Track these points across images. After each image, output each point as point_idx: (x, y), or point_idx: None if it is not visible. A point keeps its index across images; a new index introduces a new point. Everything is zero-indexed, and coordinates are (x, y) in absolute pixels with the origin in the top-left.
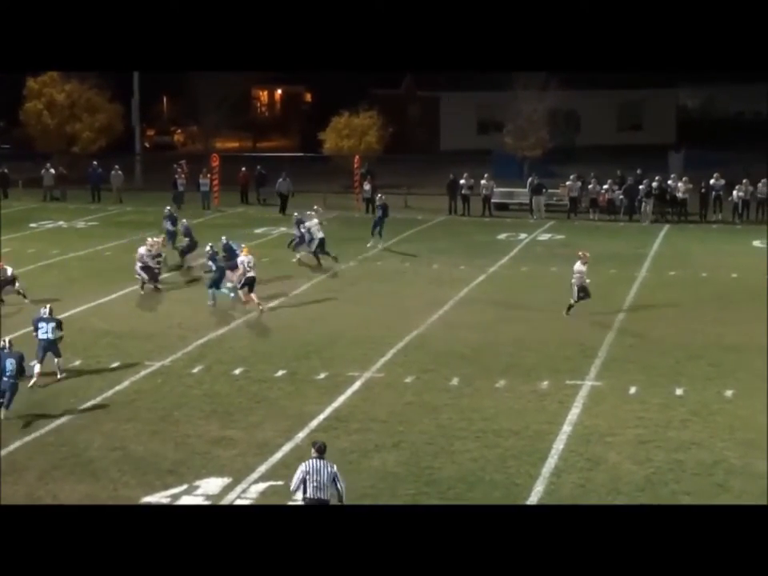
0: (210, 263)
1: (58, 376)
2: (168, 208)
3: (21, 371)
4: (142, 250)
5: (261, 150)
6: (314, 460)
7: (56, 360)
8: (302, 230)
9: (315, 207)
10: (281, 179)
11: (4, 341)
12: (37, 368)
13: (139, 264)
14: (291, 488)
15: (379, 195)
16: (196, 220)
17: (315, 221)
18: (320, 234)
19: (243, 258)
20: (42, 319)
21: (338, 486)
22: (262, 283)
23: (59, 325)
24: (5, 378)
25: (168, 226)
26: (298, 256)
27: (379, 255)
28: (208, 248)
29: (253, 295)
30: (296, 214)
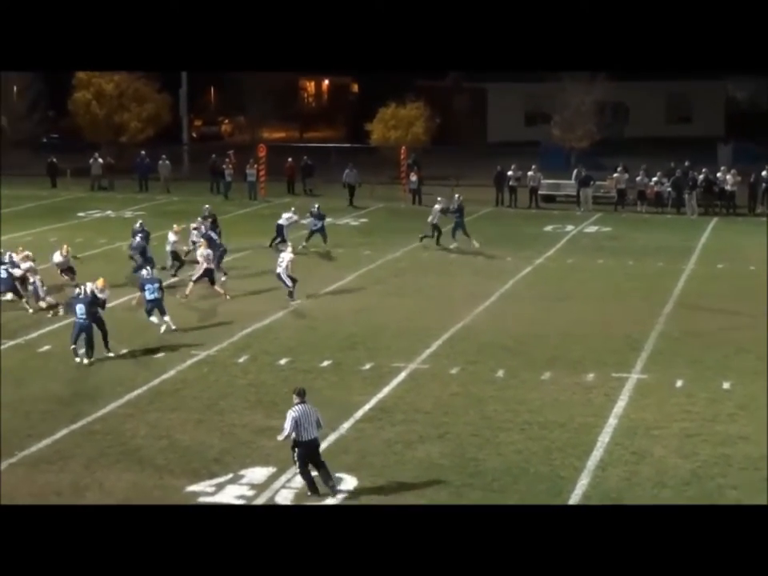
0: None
1: (173, 327)
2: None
3: (91, 314)
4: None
5: (307, 141)
6: (300, 405)
7: (165, 317)
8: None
9: (439, 198)
10: (348, 170)
11: (80, 288)
12: (154, 319)
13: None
14: (285, 433)
15: (457, 195)
16: (242, 210)
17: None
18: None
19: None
20: (147, 280)
21: (321, 424)
22: (306, 274)
23: (161, 285)
24: (77, 320)
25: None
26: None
27: (425, 247)
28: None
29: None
30: (316, 206)
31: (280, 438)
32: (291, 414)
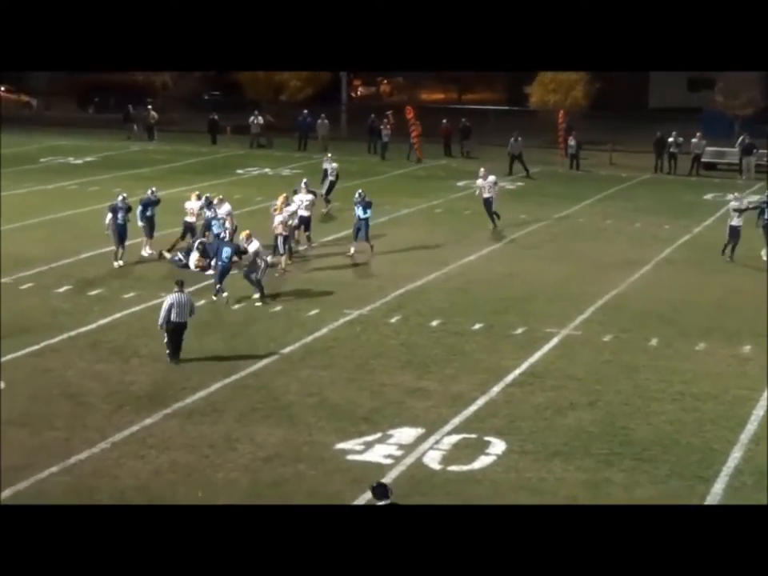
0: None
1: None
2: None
3: (232, 258)
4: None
5: (466, 103)
6: (177, 294)
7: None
8: None
9: (735, 194)
10: (512, 140)
11: (224, 232)
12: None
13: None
14: (159, 321)
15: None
16: (397, 171)
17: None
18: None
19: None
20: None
21: (194, 312)
22: (460, 238)
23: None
24: (220, 263)
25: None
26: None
27: (580, 212)
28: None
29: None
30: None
31: (160, 322)
32: (168, 300)
